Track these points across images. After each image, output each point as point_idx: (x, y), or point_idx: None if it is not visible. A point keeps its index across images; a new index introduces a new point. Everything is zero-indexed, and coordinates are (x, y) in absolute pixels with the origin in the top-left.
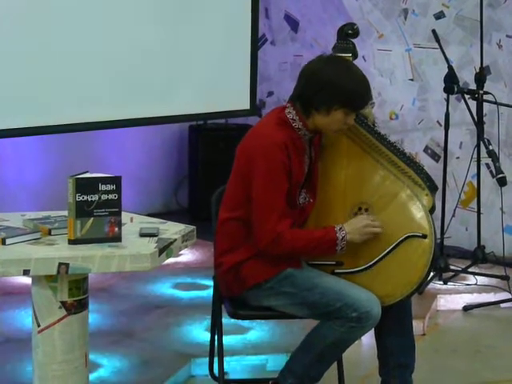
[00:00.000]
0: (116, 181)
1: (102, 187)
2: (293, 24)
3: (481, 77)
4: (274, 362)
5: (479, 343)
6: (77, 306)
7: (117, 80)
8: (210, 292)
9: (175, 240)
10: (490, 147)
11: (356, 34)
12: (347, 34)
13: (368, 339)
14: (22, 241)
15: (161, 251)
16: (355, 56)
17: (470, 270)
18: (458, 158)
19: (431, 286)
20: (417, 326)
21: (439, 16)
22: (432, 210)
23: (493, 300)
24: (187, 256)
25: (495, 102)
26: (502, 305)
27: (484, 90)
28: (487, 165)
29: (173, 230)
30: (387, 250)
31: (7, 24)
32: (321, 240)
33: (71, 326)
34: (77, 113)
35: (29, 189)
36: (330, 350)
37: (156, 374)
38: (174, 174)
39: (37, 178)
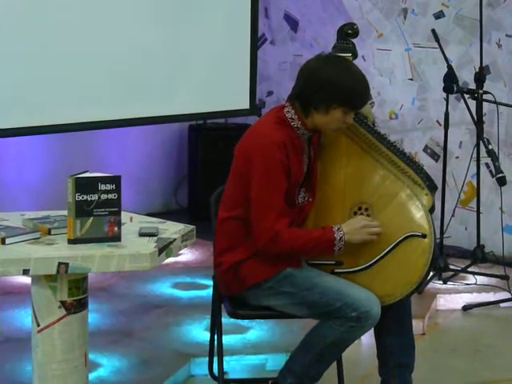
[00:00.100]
0: (115, 180)
1: (102, 187)
2: (292, 24)
3: (480, 76)
4: (274, 362)
5: (479, 343)
6: (76, 306)
7: (117, 80)
8: (209, 292)
9: (175, 240)
10: (490, 147)
11: (356, 33)
12: (347, 33)
13: (368, 339)
14: (21, 240)
15: (160, 251)
16: (355, 56)
17: (469, 269)
18: (457, 157)
19: (431, 285)
20: (416, 325)
21: (439, 15)
22: (432, 210)
23: (492, 299)
24: (187, 256)
25: (495, 102)
26: (502, 304)
27: (483, 89)
28: (487, 164)
29: (172, 229)
30: (387, 250)
31: (7, 24)
32: (319, 240)
33: (71, 325)
34: (76, 112)
35: (28, 188)
36: (330, 350)
37: (155, 374)
38: (173, 173)
39: (36, 178)
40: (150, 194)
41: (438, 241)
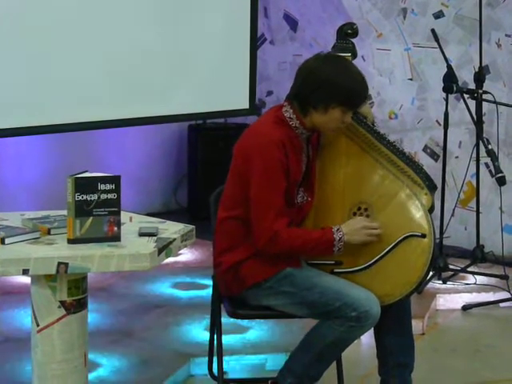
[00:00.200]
0: (115, 180)
1: (102, 187)
2: (292, 23)
3: (480, 76)
4: (274, 362)
5: (478, 342)
6: (76, 306)
7: (116, 80)
8: (209, 291)
9: (174, 239)
10: (489, 146)
11: (355, 33)
12: (346, 33)
13: (367, 339)
14: (21, 240)
15: (160, 251)
16: (354, 56)
17: (469, 269)
18: (457, 157)
19: (430, 285)
20: (416, 325)
21: (438, 15)
22: (431, 210)
23: (492, 299)
24: (186, 255)
25: (494, 102)
26: (502, 304)
27: (483, 89)
28: (486, 164)
29: (172, 229)
30: (386, 250)
31: (6, 24)
32: (318, 241)
33: (70, 325)
34: (76, 112)
35: (28, 188)
36: (330, 350)
37: (155, 374)
38: (173, 173)
39: (36, 178)
40: (150, 193)
41: (437, 241)
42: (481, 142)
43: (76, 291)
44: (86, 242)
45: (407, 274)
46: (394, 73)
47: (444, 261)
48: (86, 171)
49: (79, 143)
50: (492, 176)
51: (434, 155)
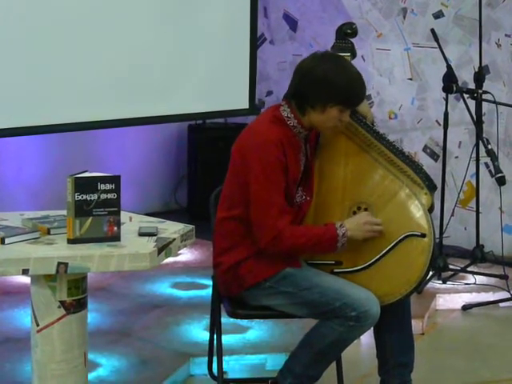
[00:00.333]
0: (115, 180)
1: (101, 186)
2: (292, 23)
3: (480, 76)
4: (273, 362)
5: (478, 342)
6: (76, 306)
7: (116, 79)
8: (208, 291)
9: (174, 239)
10: (489, 146)
11: (355, 33)
12: (346, 33)
13: (367, 338)
14: (20, 240)
15: (160, 250)
16: (354, 55)
17: (468, 269)
18: (456, 157)
19: (430, 285)
20: (416, 325)
21: (438, 15)
22: (431, 209)
23: (492, 299)
24: (186, 255)
25: (494, 102)
26: (501, 304)
27: (483, 89)
28: (486, 164)
29: (172, 229)
30: (386, 249)
31: (6, 24)
32: (321, 237)
33: (70, 325)
34: (76, 112)
35: (28, 188)
36: (329, 350)
37: (155, 374)
38: (173, 173)
39: (36, 178)
40: (150, 193)
41: (437, 240)
42: (480, 141)
43: (76, 291)
44: (86, 242)
45: (407, 273)
46: (393, 73)
47: (444, 261)
48: (86, 171)
49: (79, 143)
50: (492, 176)
51: (433, 155)
